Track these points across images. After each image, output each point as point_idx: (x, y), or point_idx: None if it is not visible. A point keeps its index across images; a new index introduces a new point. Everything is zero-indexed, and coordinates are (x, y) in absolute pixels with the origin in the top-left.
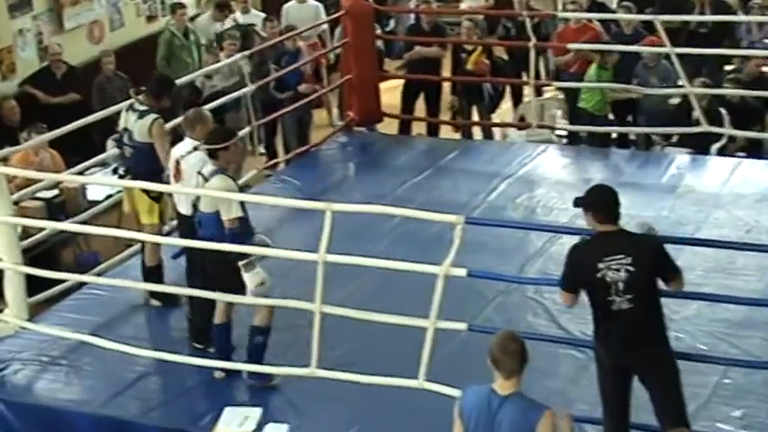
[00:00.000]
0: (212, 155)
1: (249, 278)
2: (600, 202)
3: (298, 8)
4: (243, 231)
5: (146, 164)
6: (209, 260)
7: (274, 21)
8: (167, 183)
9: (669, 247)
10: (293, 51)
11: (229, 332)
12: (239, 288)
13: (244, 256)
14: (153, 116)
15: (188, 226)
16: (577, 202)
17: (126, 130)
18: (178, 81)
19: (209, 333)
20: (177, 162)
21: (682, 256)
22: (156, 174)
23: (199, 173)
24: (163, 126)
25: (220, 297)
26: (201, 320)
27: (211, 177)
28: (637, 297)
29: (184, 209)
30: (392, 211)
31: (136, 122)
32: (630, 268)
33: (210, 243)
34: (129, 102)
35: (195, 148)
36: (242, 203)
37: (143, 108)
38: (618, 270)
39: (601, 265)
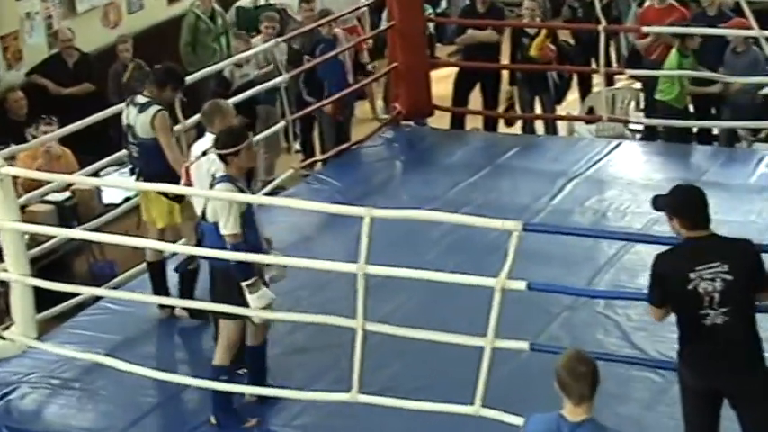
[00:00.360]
0: (223, 159)
1: (253, 300)
2: (687, 205)
3: None
4: (246, 248)
5: (157, 163)
6: (215, 273)
7: (312, 1)
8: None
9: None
10: (329, 39)
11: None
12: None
13: (247, 275)
14: (155, 108)
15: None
16: (658, 204)
17: (129, 126)
18: (204, 70)
19: (237, 354)
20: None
21: None
22: (173, 173)
23: (213, 175)
24: (166, 118)
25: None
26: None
27: (217, 185)
28: (733, 310)
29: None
30: (440, 218)
31: (137, 117)
32: (728, 277)
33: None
34: (130, 96)
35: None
36: (247, 218)
37: (144, 100)
38: (712, 280)
39: (692, 276)
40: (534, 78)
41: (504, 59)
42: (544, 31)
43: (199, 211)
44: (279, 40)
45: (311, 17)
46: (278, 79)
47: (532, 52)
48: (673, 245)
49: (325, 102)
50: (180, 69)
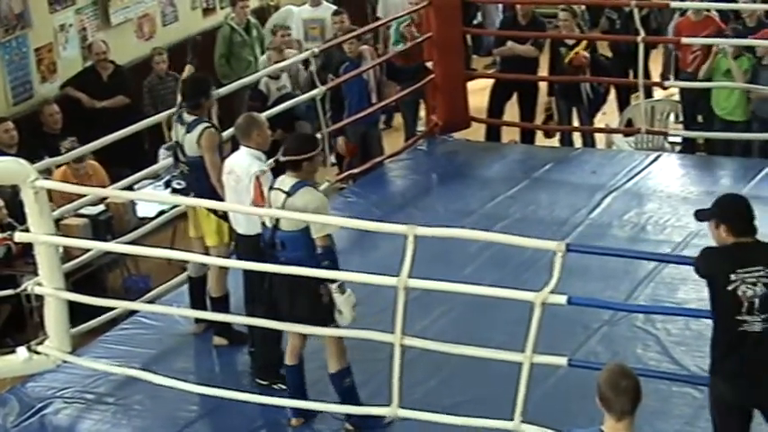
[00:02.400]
0: (295, 166)
1: (343, 302)
2: (734, 211)
3: None
4: (334, 251)
5: (206, 181)
6: (280, 286)
7: (344, 14)
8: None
9: None
10: (354, 59)
11: (302, 373)
12: (311, 318)
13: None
14: (202, 126)
15: (249, 247)
16: (701, 216)
17: (178, 144)
18: (239, 82)
19: (274, 367)
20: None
21: None
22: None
23: (277, 188)
24: (213, 136)
25: (287, 327)
26: (265, 353)
27: (295, 192)
28: None
29: (244, 228)
30: (482, 237)
31: (185, 136)
32: None
33: (290, 266)
34: (177, 110)
35: (258, 158)
36: None
37: (191, 119)
38: (754, 284)
39: (733, 277)
40: (570, 89)
41: (543, 71)
42: (584, 42)
43: (247, 227)
44: (315, 50)
45: (344, 30)
46: (314, 91)
47: (567, 59)
48: None
49: (342, 123)
50: (202, 77)
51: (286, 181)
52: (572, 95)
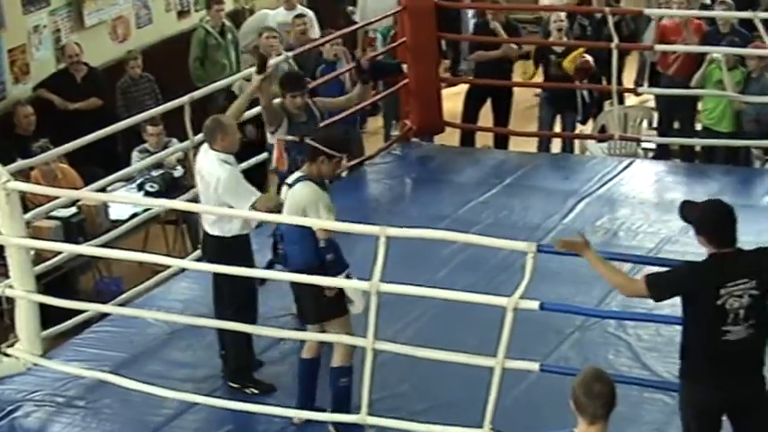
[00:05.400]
0: (313, 155)
1: (353, 292)
2: (715, 222)
3: None
4: (336, 243)
5: None
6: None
7: (305, 17)
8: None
9: None
10: (332, 61)
11: (317, 370)
12: (317, 316)
13: (343, 267)
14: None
15: (220, 248)
16: (685, 214)
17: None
18: (213, 85)
19: (245, 371)
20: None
21: None
22: None
23: (287, 183)
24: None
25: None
26: (236, 357)
27: (295, 184)
28: (756, 324)
29: (218, 230)
30: (454, 237)
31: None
32: (754, 292)
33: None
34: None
35: (225, 162)
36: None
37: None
38: (740, 296)
39: (723, 292)
40: (561, 95)
41: (516, 77)
42: (581, 48)
43: (219, 228)
44: (289, 54)
45: (302, 31)
46: None
47: (566, 64)
48: None
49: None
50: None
51: (295, 174)
52: (563, 102)
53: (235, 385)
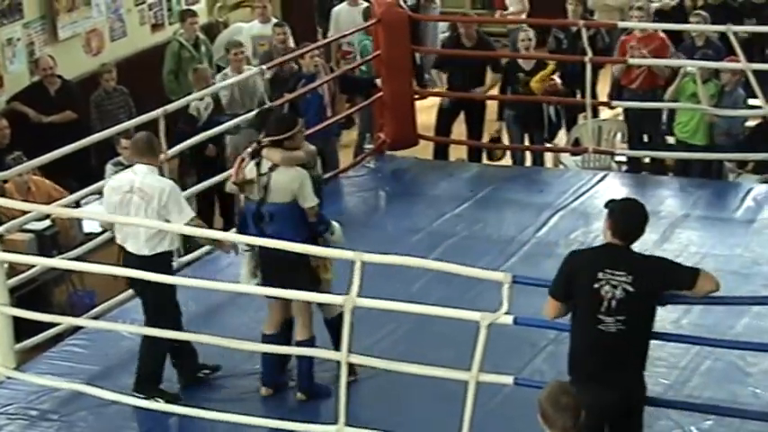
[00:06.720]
0: (277, 146)
1: (338, 237)
2: (627, 214)
3: (348, 11)
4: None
5: None
6: (272, 263)
7: (285, 26)
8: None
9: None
10: (311, 74)
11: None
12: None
13: (328, 226)
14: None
15: (147, 266)
16: (608, 204)
17: None
18: (187, 98)
19: (153, 381)
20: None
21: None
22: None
23: (255, 163)
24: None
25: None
26: (147, 365)
27: (276, 168)
28: (628, 321)
29: (147, 249)
30: (430, 265)
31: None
32: (629, 288)
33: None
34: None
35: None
36: (318, 189)
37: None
38: (615, 287)
39: (601, 276)
40: (528, 114)
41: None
42: (551, 65)
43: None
44: (263, 67)
45: (282, 40)
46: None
47: (533, 84)
48: None
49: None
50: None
51: (268, 156)
52: (530, 120)
53: (140, 396)
